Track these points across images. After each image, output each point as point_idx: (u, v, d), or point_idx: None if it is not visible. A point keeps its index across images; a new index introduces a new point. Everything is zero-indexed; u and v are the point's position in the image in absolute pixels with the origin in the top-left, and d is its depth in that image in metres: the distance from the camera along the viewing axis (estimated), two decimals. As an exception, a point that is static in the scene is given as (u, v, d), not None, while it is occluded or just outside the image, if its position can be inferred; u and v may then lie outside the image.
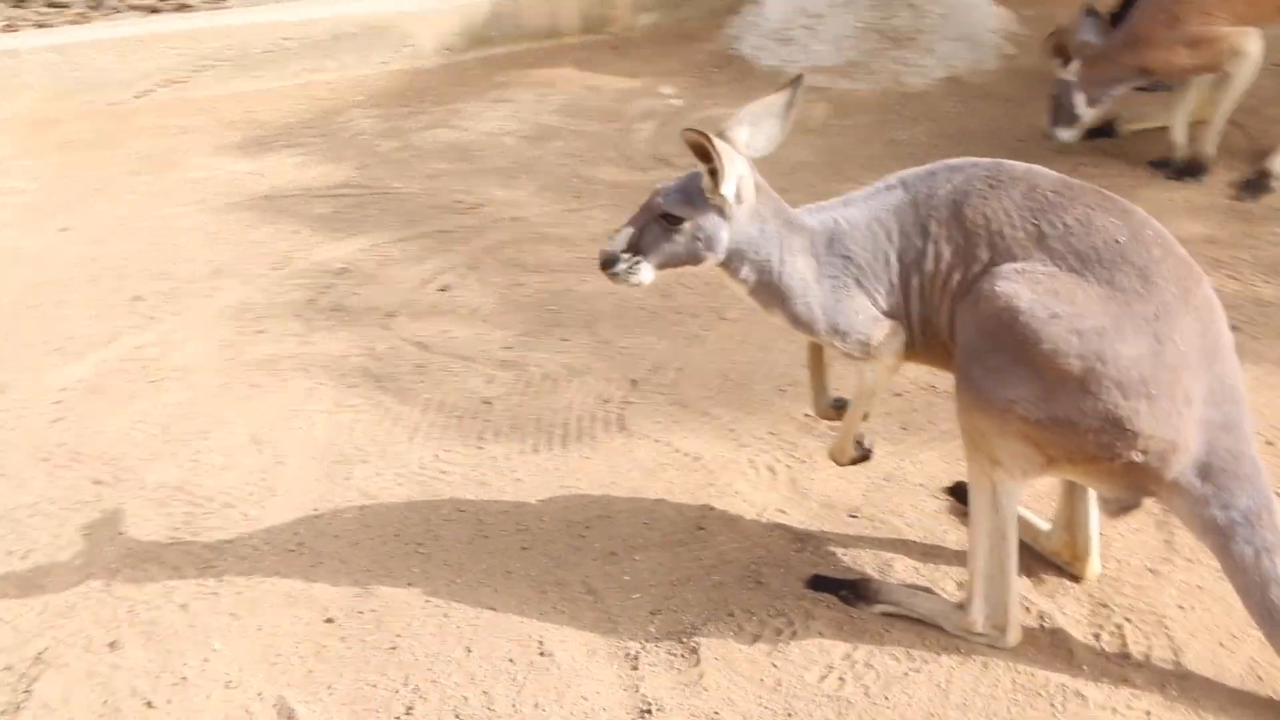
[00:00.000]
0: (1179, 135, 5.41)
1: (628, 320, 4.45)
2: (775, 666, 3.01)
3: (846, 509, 3.53)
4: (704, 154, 2.91)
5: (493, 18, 6.79)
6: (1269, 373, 3.96)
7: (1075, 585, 3.20)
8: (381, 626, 3.16)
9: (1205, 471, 2.75)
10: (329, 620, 3.20)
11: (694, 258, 3.02)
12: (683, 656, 3.05)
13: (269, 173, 5.75)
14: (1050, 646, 3.03)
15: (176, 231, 5.21)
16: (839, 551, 3.36)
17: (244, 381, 4.19)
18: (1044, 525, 3.28)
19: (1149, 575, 3.23)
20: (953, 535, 3.39)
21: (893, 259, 3.00)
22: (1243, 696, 2.88)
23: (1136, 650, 3.01)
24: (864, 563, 3.32)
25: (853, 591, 3.19)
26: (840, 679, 2.97)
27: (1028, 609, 3.11)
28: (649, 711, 2.91)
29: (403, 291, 4.68)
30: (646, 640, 3.09)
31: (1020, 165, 2.96)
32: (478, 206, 5.31)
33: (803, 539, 3.42)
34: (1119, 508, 2.89)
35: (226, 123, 6.40)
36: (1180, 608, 3.13)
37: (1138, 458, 2.72)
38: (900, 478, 3.62)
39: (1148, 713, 2.84)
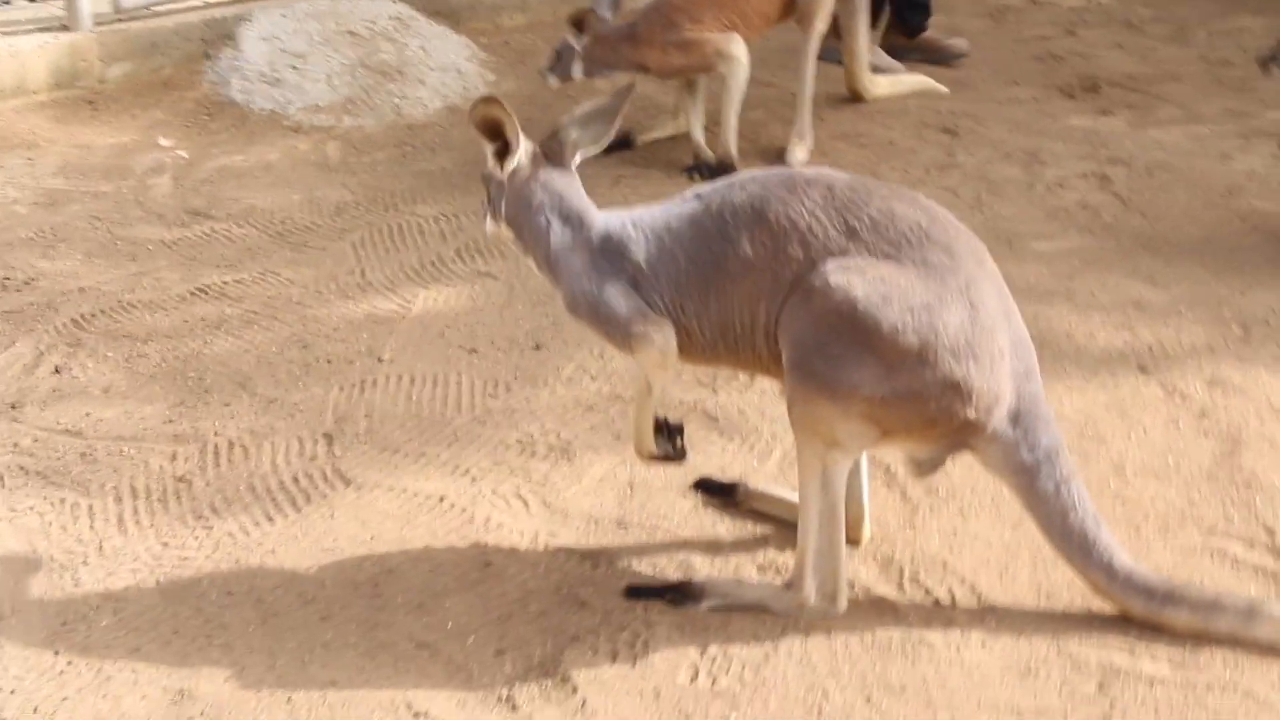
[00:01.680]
0: (699, 138, 5.85)
1: (281, 375, 4.29)
2: (645, 678, 3.08)
3: (612, 521, 3.62)
4: (494, 130, 3.20)
5: (-50, 79, 6.17)
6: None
7: (854, 549, 3.42)
8: (225, 731, 2.91)
9: (1015, 417, 3.07)
10: (158, 738, 2.90)
11: (492, 219, 3.39)
12: (555, 688, 3.05)
13: None
14: (871, 606, 3.27)
15: None
16: (633, 561, 3.45)
17: (-123, 503, 3.64)
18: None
19: (909, 530, 3.56)
20: (722, 527, 3.57)
21: (683, 263, 3.16)
22: (1044, 613, 3.25)
23: (941, 595, 3.31)
24: (663, 567, 3.43)
25: (678, 593, 3.29)
26: (710, 675, 3.07)
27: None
28: (555, 747, 2.86)
29: (10, 380, 4.25)
30: (509, 681, 3.07)
31: (810, 170, 3.21)
32: (31, 282, 4.88)
33: (591, 556, 3.48)
34: (930, 466, 3.19)
35: None
36: (951, 550, 3.47)
37: (971, 414, 2.99)
38: (642, 484, 3.75)
39: (983, 644, 3.14)
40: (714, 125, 5.92)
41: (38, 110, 6.35)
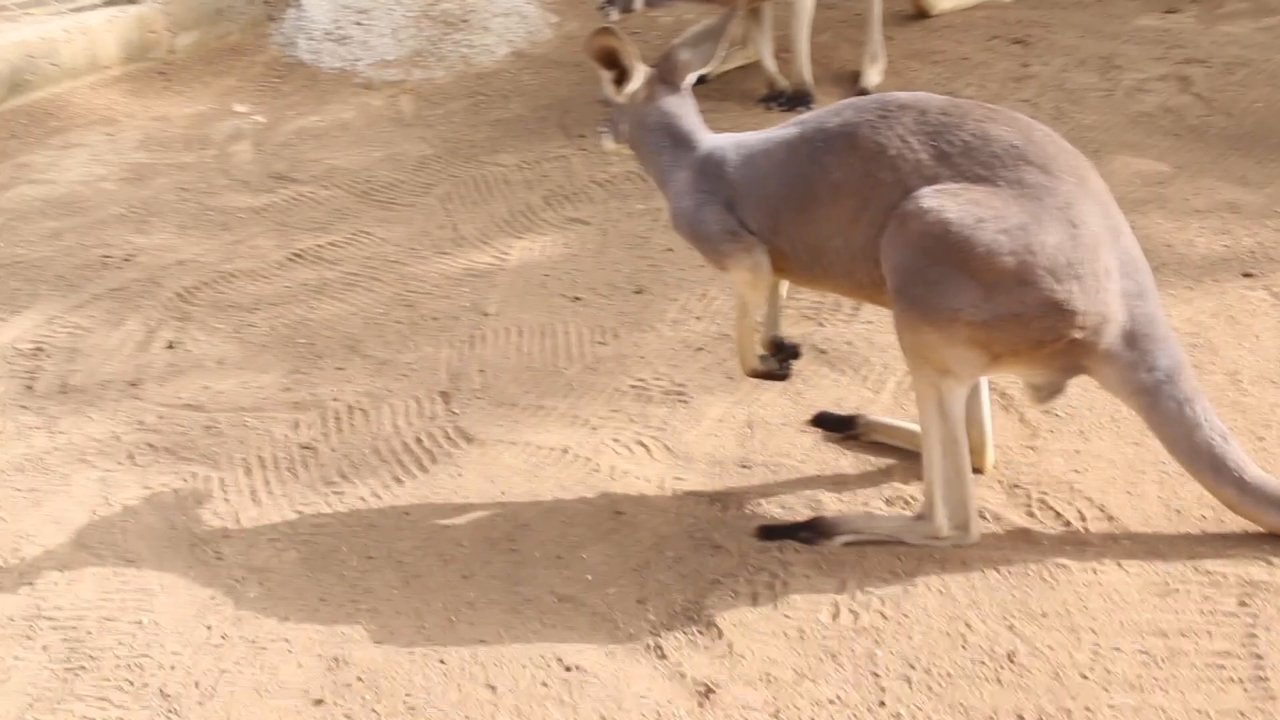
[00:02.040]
0: (771, 66, 5.82)
1: (390, 336, 4.33)
2: (788, 618, 3.11)
3: (735, 461, 3.65)
4: (611, 58, 3.35)
5: (26, 60, 6.21)
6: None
7: (979, 476, 3.44)
8: (382, 694, 2.99)
9: (1130, 338, 3.06)
10: (319, 702, 3.00)
11: (611, 138, 3.52)
12: (701, 633, 3.08)
13: None
14: (1003, 533, 3.29)
15: None
16: (761, 501, 3.48)
17: (15, 489, 3.74)
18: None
19: (1031, 453, 3.57)
20: (845, 460, 3.60)
21: (776, 186, 3.24)
22: (1176, 529, 3.26)
23: (1071, 517, 3.33)
24: (791, 505, 3.46)
25: (810, 530, 3.33)
26: (852, 612, 3.10)
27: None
28: (710, 691, 2.92)
29: (126, 358, 4.31)
30: (655, 629, 3.10)
31: (905, 94, 3.19)
32: (132, 257, 4.94)
33: (719, 498, 3.51)
34: (1049, 392, 3.19)
35: None
36: (1076, 471, 3.48)
37: (1078, 334, 2.99)
38: (761, 422, 3.78)
39: (1119, 565, 3.15)
40: (783, 53, 5.89)
41: (112, 85, 6.40)
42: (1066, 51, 5.97)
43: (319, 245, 4.87)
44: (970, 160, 3.03)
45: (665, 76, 3.46)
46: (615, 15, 5.77)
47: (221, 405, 4.03)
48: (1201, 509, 3.27)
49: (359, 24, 6.56)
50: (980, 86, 5.72)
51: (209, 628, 3.21)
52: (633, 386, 3.95)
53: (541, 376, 4.04)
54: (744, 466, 3.62)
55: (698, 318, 4.23)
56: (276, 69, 6.50)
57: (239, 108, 6.12)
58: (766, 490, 3.50)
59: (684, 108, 3.46)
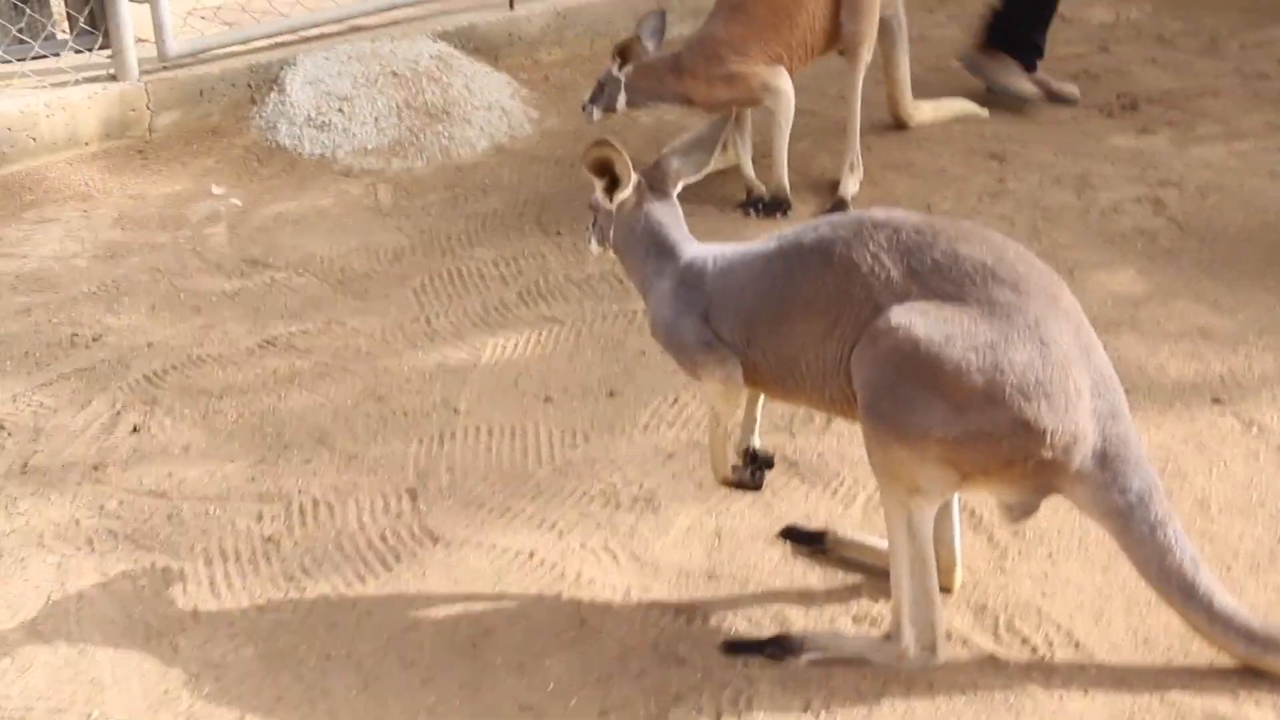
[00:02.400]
0: (750, 172, 5.86)
1: (359, 430, 4.30)
2: (752, 736, 3.06)
3: (703, 573, 3.63)
4: (603, 168, 3.41)
5: (5, 133, 6.20)
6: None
7: (947, 597, 3.43)
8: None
9: (1103, 459, 3.06)
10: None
11: (597, 243, 3.59)
12: (663, 749, 3.03)
13: None
14: (970, 657, 3.28)
15: None
16: (728, 614, 3.46)
17: (-32, 571, 3.66)
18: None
19: (999, 574, 3.56)
20: (814, 576, 3.58)
21: (752, 300, 3.27)
22: (1143, 659, 3.27)
23: (1038, 643, 3.32)
24: (758, 619, 3.44)
25: (777, 647, 3.31)
26: (816, 732, 3.06)
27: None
28: (670, 810, 2.87)
29: (90, 440, 4.27)
30: (617, 743, 3.05)
31: (881, 212, 3.23)
32: (100, 338, 4.90)
33: (685, 610, 3.49)
34: (1022, 512, 3.19)
35: None
36: (1044, 595, 3.47)
37: (1049, 454, 2.99)
38: (729, 533, 3.76)
39: (1085, 693, 3.15)
40: (762, 158, 5.93)
41: (89, 161, 6.39)
42: (1042, 168, 6.03)
43: (291, 333, 4.85)
44: (941, 279, 3.05)
45: (654, 184, 3.51)
46: (598, 115, 5.81)
47: (185, 493, 3.99)
48: (1169, 638, 3.26)
49: (341, 111, 6.58)
50: (957, 200, 5.76)
51: (161, 724, 3.14)
52: (602, 491, 3.93)
53: (510, 477, 4.02)
54: (711, 578, 3.60)
55: (670, 424, 4.22)
56: (256, 152, 6.50)
57: (216, 189, 6.12)
58: (733, 603, 3.48)
59: (671, 216, 3.50)
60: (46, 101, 6.41)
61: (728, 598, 3.52)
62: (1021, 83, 6.78)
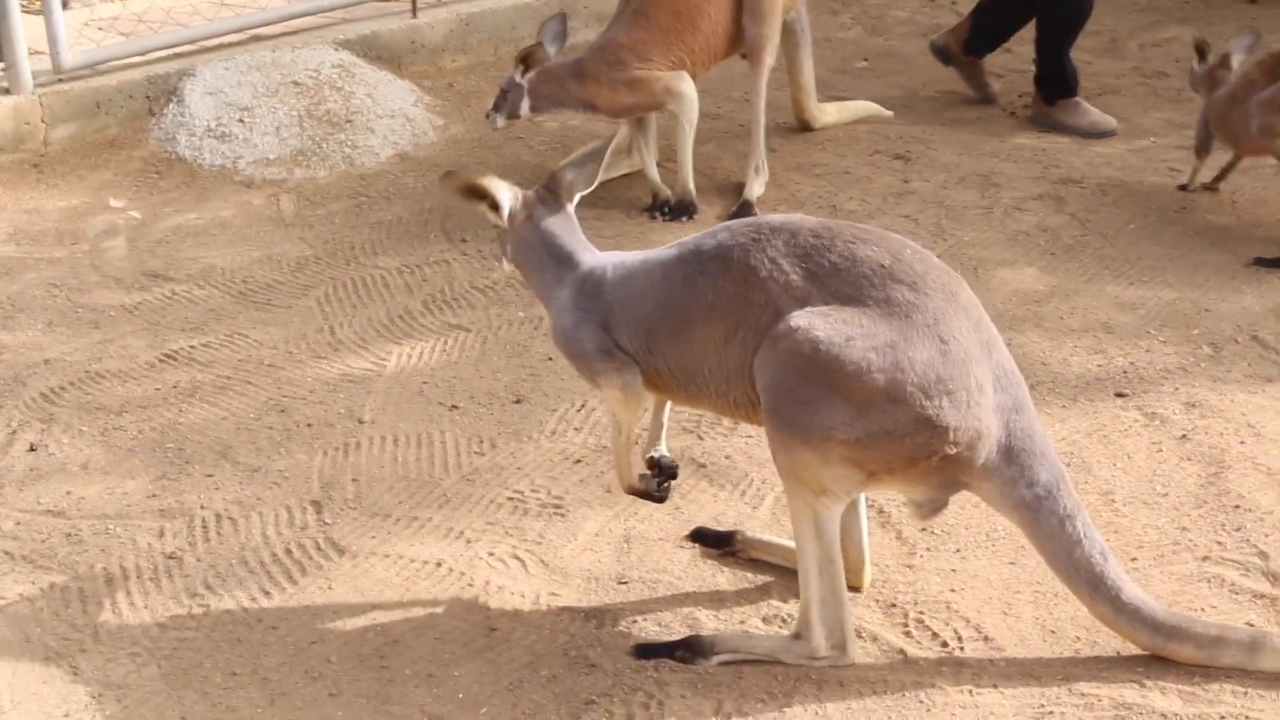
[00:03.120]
0: (655, 176, 5.86)
1: (262, 442, 4.24)
2: (663, 741, 3.04)
3: (612, 577, 3.61)
4: (472, 192, 3.43)
5: (-106, 146, 6.06)
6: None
7: (858, 595, 3.44)
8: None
9: (1008, 453, 3.09)
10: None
11: (505, 261, 3.61)
12: (574, 756, 3.01)
13: None
14: (880, 654, 3.29)
15: None
16: (637, 618, 3.45)
17: None
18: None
19: (908, 571, 3.57)
20: (723, 577, 3.58)
21: (652, 306, 3.28)
22: (1051, 650, 3.30)
23: (948, 637, 3.34)
24: (668, 622, 3.43)
25: (688, 649, 3.30)
26: (727, 734, 3.05)
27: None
28: (582, 817, 2.84)
29: (-18, 460, 4.15)
30: (527, 751, 3.02)
31: (779, 217, 3.25)
32: (-8, 354, 4.78)
33: (595, 615, 3.47)
34: (931, 509, 3.21)
35: None
36: (953, 591, 3.49)
37: (952, 450, 3.01)
38: (638, 537, 3.75)
39: (995, 686, 3.17)
40: (667, 161, 5.92)
41: (-19, 175, 6.24)
42: (946, 168, 6.08)
43: (192, 346, 4.78)
44: (840, 281, 3.08)
45: (546, 197, 3.50)
46: (501, 122, 5.79)
47: (84, 512, 3.91)
48: (1076, 630, 3.29)
49: (241, 121, 6.50)
50: (862, 201, 5.79)
51: (61, 748, 3.06)
52: (509, 499, 3.90)
53: (417, 486, 3.98)
54: (621, 582, 3.58)
55: (576, 429, 4.20)
56: (155, 164, 6.40)
57: (115, 203, 6.02)
58: (643, 607, 3.47)
59: (565, 227, 3.49)
60: (-62, 115, 6.26)
61: (637, 601, 3.50)
62: (1094, 115, 6.76)
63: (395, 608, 3.50)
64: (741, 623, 3.39)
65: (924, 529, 3.65)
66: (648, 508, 3.77)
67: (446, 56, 7.65)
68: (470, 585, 3.56)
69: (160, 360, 4.75)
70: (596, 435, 4.18)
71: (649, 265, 3.35)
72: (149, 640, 3.42)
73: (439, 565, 3.64)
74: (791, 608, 3.40)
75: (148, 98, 6.77)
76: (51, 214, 5.99)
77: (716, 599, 3.49)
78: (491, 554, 3.68)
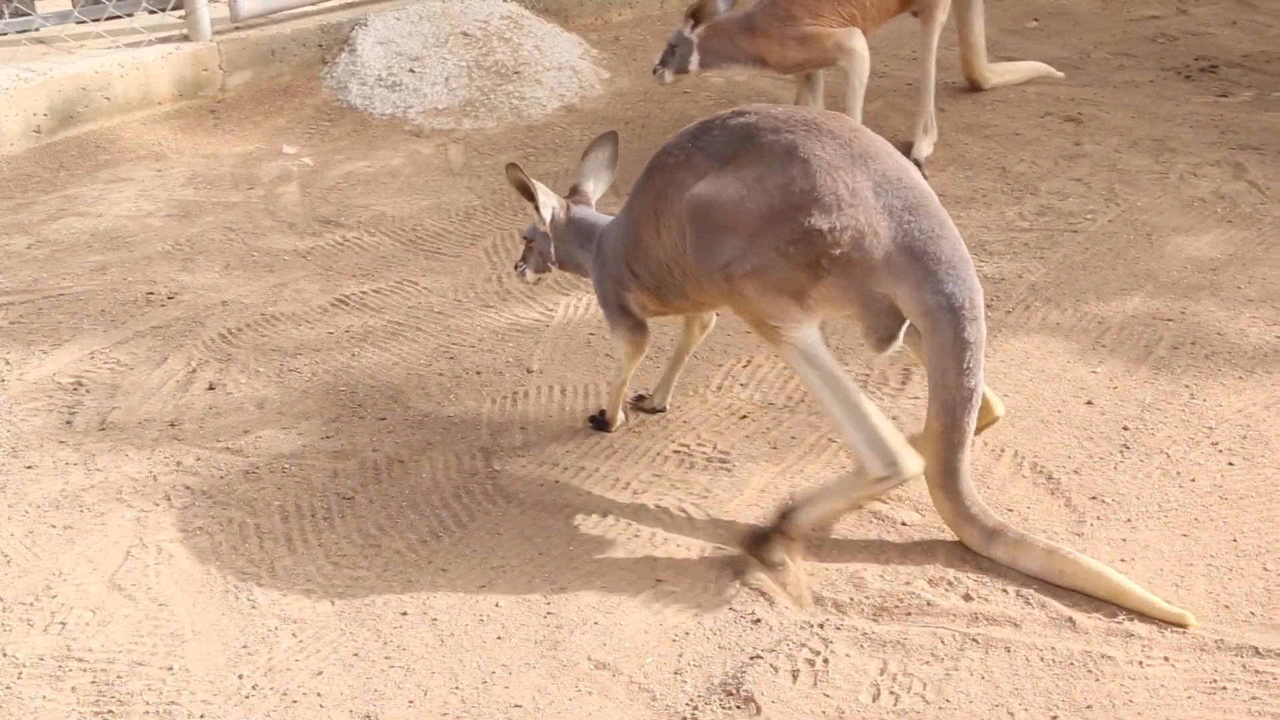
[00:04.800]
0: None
1: (432, 389, 4.30)
2: (828, 697, 3.07)
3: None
4: (528, 193, 3.91)
5: (80, 93, 6.24)
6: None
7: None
8: (413, 752, 2.93)
9: (909, 253, 3.27)
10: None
11: (544, 267, 4.11)
12: (739, 708, 3.04)
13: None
14: (1049, 620, 3.27)
15: None
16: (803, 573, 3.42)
17: (50, 526, 3.71)
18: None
19: (1077, 540, 3.58)
20: (888, 535, 3.56)
21: (621, 235, 3.78)
22: (1224, 625, 3.23)
23: (1118, 609, 3.25)
24: (833, 579, 3.47)
25: (783, 519, 3.49)
26: (893, 694, 3.06)
27: (970, 596, 3.35)
28: (745, 769, 2.86)
29: (166, 397, 4.29)
30: (692, 702, 3.07)
31: (713, 117, 3.61)
32: (175, 295, 4.93)
33: (760, 569, 3.45)
34: (880, 338, 3.38)
35: None
36: (1123, 560, 3.45)
37: (836, 251, 3.23)
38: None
39: (1166, 658, 3.12)
40: (835, 119, 5.85)
41: (163, 121, 6.43)
42: (1119, 132, 5.95)
43: (363, 292, 4.86)
44: (723, 147, 3.43)
45: (578, 201, 4.02)
46: (670, 77, 5.78)
47: (261, 451, 4.00)
48: (1250, 605, 3.24)
49: (411, 71, 6.58)
50: (1032, 163, 5.70)
51: (240, 677, 3.17)
52: (675, 451, 3.92)
53: (583, 437, 4.01)
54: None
55: (743, 385, 4.20)
56: (327, 112, 6.51)
57: (288, 149, 6.14)
58: (809, 565, 3.45)
59: (592, 215, 3.99)
60: (120, 62, 6.45)
61: (803, 559, 3.48)
62: None
63: (561, 555, 3.54)
64: (907, 583, 3.38)
65: (1093, 496, 3.58)
66: (813, 464, 3.80)
67: (613, 9, 7.66)
68: (636, 536, 3.59)
69: (333, 305, 4.84)
70: (763, 391, 4.19)
71: (628, 207, 3.75)
72: (323, 577, 3.50)
73: (605, 515, 3.66)
74: (958, 571, 3.38)
75: (320, 46, 6.89)
76: (228, 159, 6.12)
77: (881, 557, 3.49)
78: (658, 506, 3.71)
